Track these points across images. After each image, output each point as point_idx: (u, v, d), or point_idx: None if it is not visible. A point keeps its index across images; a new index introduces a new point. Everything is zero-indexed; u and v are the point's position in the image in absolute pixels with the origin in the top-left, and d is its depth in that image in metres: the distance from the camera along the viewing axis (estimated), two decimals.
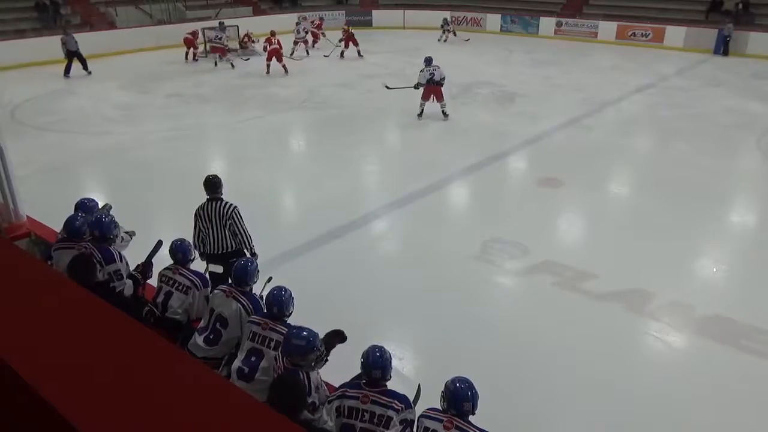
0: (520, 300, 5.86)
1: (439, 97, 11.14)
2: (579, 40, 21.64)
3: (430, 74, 10.94)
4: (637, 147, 10.56)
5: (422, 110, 11.36)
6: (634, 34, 21.23)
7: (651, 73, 16.13)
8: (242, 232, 4.69)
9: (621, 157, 9.95)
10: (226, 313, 3.62)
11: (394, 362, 3.23)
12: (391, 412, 2.95)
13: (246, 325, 3.54)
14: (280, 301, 3.49)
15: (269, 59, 15.53)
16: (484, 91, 14.05)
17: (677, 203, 7.85)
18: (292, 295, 3.61)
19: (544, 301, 5.69)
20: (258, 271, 3.85)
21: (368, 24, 24.35)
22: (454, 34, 21.74)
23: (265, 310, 3.54)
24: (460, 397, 2.89)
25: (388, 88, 12.05)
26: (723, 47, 19.44)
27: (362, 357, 3.09)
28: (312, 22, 20.40)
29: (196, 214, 4.75)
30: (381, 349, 3.11)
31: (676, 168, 9.27)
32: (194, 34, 17.68)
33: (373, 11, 25.00)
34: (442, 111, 11.30)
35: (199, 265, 4.38)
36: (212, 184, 4.75)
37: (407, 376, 4.37)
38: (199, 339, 3.63)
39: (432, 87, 11.05)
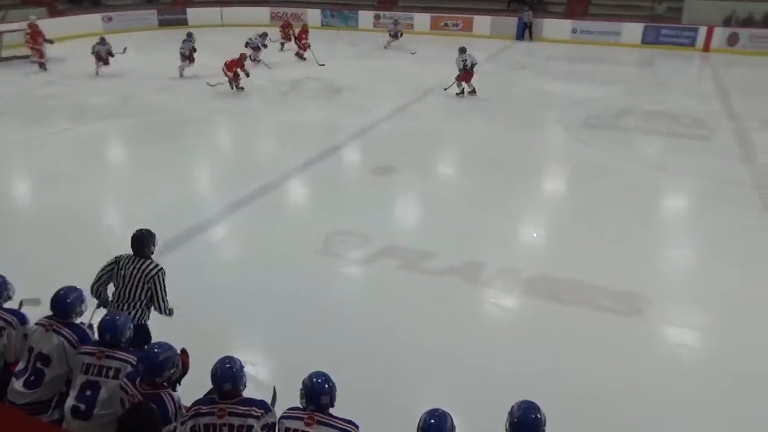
0: (368, 287, 6.01)
1: (469, 80, 12.71)
2: None
3: (463, 61, 12.45)
4: (459, 130, 11.29)
5: (462, 90, 12.90)
6: (446, 25, 22.63)
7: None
8: (161, 298, 4.03)
9: (446, 141, 10.60)
10: (46, 349, 3.25)
11: (248, 369, 3.14)
12: (251, 420, 2.86)
13: (75, 358, 3.21)
14: (114, 327, 3.22)
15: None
16: (312, 86, 14.12)
17: (499, 179, 8.57)
18: (129, 318, 3.35)
19: (390, 284, 5.89)
20: (83, 300, 3.50)
21: (183, 23, 23.16)
22: (398, 37, 19.67)
23: (98, 338, 3.25)
24: (317, 392, 2.90)
25: (445, 89, 13.04)
26: (525, 33, 21.57)
27: (211, 371, 2.96)
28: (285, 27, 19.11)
29: (114, 262, 4.06)
30: (230, 359, 3.00)
31: (494, 146, 10.13)
32: None
33: (188, 9, 23.81)
34: (473, 90, 12.83)
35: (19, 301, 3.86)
36: (139, 241, 4.07)
37: (263, 381, 4.26)
38: (17, 384, 3.22)
39: (468, 72, 12.54)
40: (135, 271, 3.97)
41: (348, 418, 2.91)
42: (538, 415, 2.65)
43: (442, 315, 5.36)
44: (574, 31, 20.88)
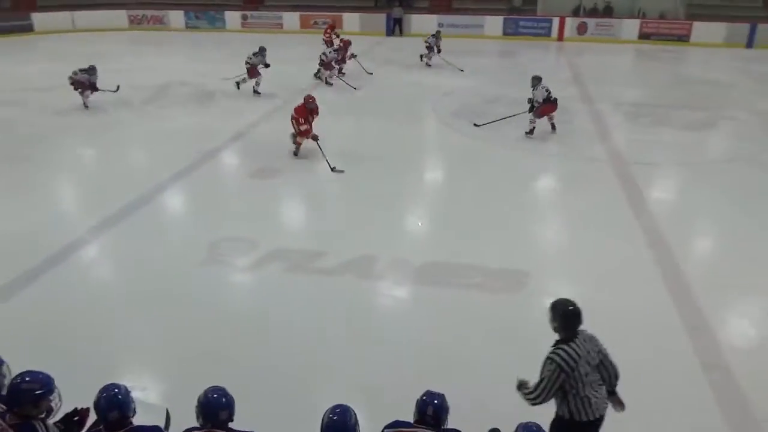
0: (259, 293, 5.83)
1: (553, 112, 10.18)
2: (267, 32, 22.16)
3: (547, 91, 9.92)
4: (337, 127, 11.28)
5: (533, 128, 10.23)
6: (316, 23, 22.55)
7: None
8: None
9: (326, 138, 10.51)
10: None
11: (136, 394, 2.93)
12: None
13: None
14: None
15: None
16: (182, 92, 13.48)
17: (381, 172, 8.68)
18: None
19: (282, 287, 5.75)
20: None
21: (28, 29, 21.20)
22: (438, 51, 16.41)
23: None
24: (214, 408, 2.78)
25: (477, 126, 10.76)
26: (395, 29, 22.06)
27: (94, 401, 2.75)
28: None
29: None
30: (114, 386, 2.80)
31: (373, 141, 10.25)
32: None
33: (33, 14, 21.76)
34: (552, 124, 10.39)
35: None
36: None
37: (154, 405, 4.00)
38: None
39: (549, 105, 9.99)
40: None
41: (249, 429, 2.81)
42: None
43: (339, 312, 5.33)
44: (440, 25, 21.61)
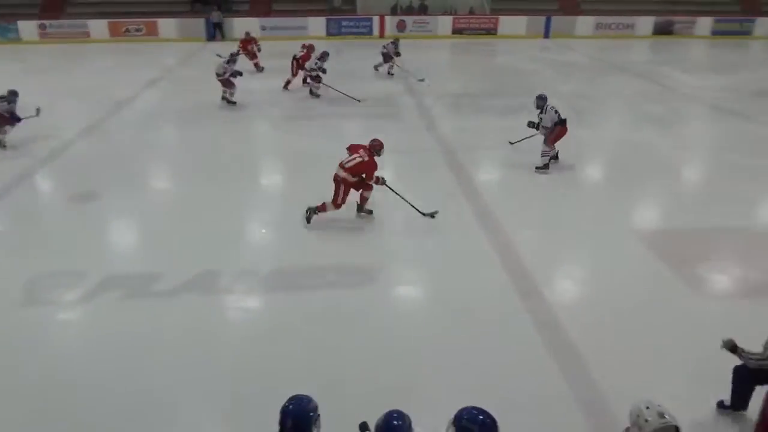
0: (94, 329, 5.25)
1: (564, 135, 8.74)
2: (71, 42, 20.27)
3: (557, 112, 8.58)
4: (164, 141, 10.66)
5: (556, 153, 8.91)
6: (128, 30, 21.09)
7: (157, 67, 16.39)
8: None
9: (151, 154, 9.88)
10: None
11: None
12: None
13: None
14: None
15: None
16: None
17: (214, 182, 8.32)
18: None
19: (119, 319, 5.25)
20: None
21: None
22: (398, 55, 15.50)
23: None
24: None
25: (512, 143, 9.70)
26: (216, 33, 21.29)
27: None
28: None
29: None
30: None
31: (202, 151, 9.80)
32: None
33: None
34: (555, 154, 8.96)
35: None
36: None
37: None
38: None
39: (562, 128, 8.64)
40: None
41: None
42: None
43: (186, 336, 5.01)
44: (263, 28, 21.31)
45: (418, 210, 7.11)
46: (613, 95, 14.36)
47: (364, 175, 6.79)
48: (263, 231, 7.18)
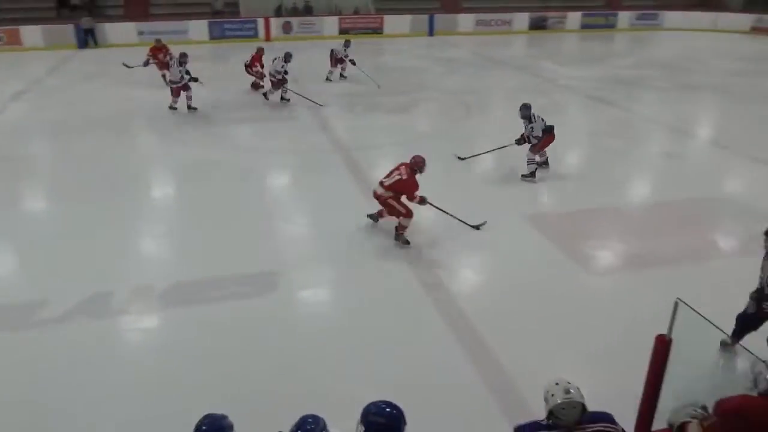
0: None
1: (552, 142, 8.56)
2: None
3: (544, 120, 8.33)
4: (42, 156, 9.84)
5: (545, 160, 8.74)
6: None
7: (21, 78, 15.12)
8: None
9: (29, 170, 9.08)
10: None
11: None
12: None
13: None
14: None
15: None
16: None
17: (102, 199, 7.79)
18: None
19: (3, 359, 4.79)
20: None
21: None
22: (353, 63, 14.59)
23: None
24: None
25: (460, 158, 8.96)
26: (87, 40, 19.93)
27: None
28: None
29: None
30: None
31: (88, 165, 9.13)
32: None
33: None
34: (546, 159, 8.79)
35: None
36: None
37: None
38: None
39: (550, 135, 8.40)
40: None
41: None
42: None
43: (78, 365, 4.63)
44: (141, 33, 20.25)
45: (466, 223, 6.83)
46: (498, 88, 15.04)
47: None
48: (156, 245, 6.80)
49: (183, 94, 11.69)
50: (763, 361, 2.79)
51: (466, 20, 23.62)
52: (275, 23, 21.90)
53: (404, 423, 2.54)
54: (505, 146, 8.73)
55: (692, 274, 5.96)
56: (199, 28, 21.08)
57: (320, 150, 9.71)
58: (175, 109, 11.83)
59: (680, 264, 6.18)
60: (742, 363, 2.88)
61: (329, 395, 4.17)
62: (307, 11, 23.33)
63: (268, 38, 21.51)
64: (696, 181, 8.54)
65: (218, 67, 17.57)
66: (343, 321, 5.25)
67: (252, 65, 13.63)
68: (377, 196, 6.43)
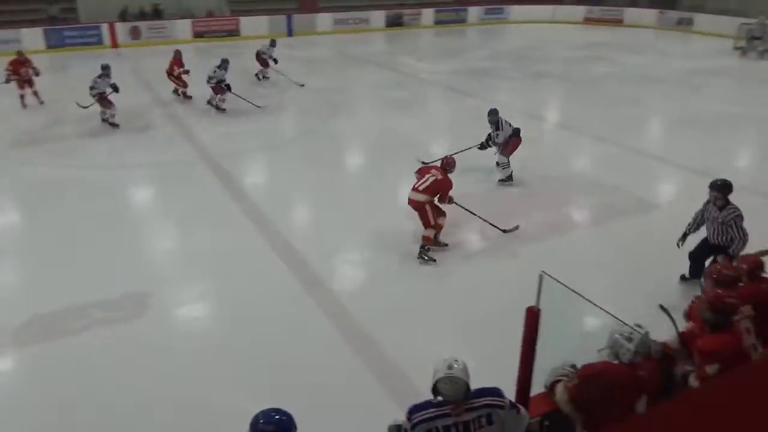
0: None
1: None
2: None
3: (510, 125, 8.25)
4: None
5: (511, 172, 8.33)
6: None
7: None
8: None
9: None
10: None
11: None
12: None
13: None
14: None
15: None
16: None
17: None
18: None
19: None
20: None
21: None
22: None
23: None
24: None
25: (424, 163, 7.85)
26: None
27: None
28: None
29: None
30: None
31: None
32: None
33: None
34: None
35: None
36: None
37: None
38: None
39: (517, 138, 8.29)
40: None
41: None
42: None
43: None
44: None
45: (497, 227, 6.64)
46: (362, 85, 15.25)
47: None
48: (3, 278, 6.12)
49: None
50: (638, 327, 3.09)
51: (324, 20, 23.68)
52: (121, 28, 20.52)
53: (294, 428, 2.50)
54: (470, 148, 8.52)
55: (555, 247, 6.44)
56: (33, 36, 19.18)
57: (185, 161, 9.25)
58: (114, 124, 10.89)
59: (545, 239, 6.65)
60: (609, 327, 3.17)
61: (218, 411, 4.00)
62: (156, 15, 22.10)
63: (114, 45, 20.14)
64: (550, 161, 9.23)
65: (58, 77, 16.18)
66: (224, 334, 5.08)
67: (171, 70, 12.82)
68: (415, 204, 6.20)
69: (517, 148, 8.34)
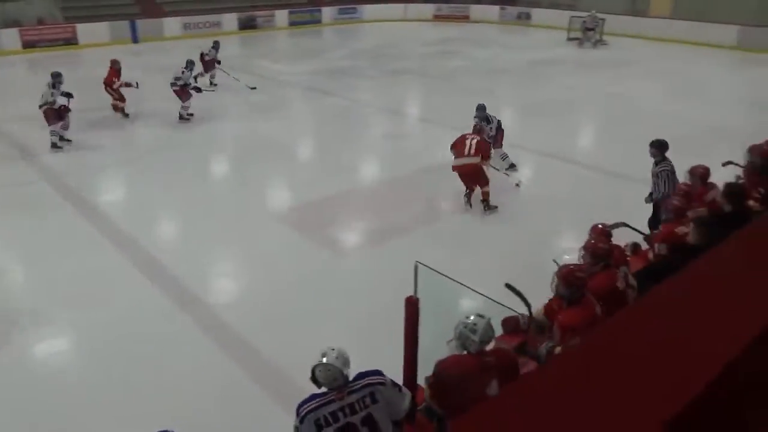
0: None
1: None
2: None
3: (496, 118, 8.48)
4: None
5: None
6: None
7: None
8: None
9: None
10: None
11: None
12: None
13: None
14: None
15: None
16: None
17: None
18: None
19: None
20: None
21: None
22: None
23: None
24: None
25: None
26: None
27: None
28: None
29: None
30: None
31: None
32: None
33: None
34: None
35: None
36: None
37: None
38: None
39: (502, 131, 8.53)
40: None
41: None
42: None
43: None
44: None
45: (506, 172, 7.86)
46: (219, 91, 14.65)
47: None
48: None
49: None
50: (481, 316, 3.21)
51: (172, 24, 22.48)
52: None
53: None
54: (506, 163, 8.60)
55: (427, 236, 6.60)
56: None
57: (23, 183, 8.30)
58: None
59: (416, 230, 6.79)
60: (483, 310, 3.28)
61: None
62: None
63: None
64: (414, 154, 9.48)
65: None
66: (92, 363, 4.65)
67: (110, 82, 11.38)
68: (471, 167, 6.97)
69: (503, 137, 8.61)
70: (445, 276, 2.79)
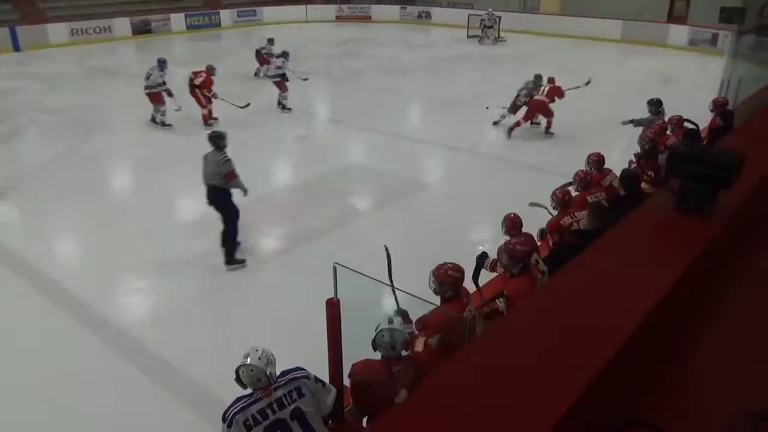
0: None
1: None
2: None
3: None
4: None
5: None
6: None
7: None
8: None
9: None
10: None
11: None
12: None
13: None
14: None
15: None
16: None
17: None
18: None
19: None
20: None
21: None
22: None
23: None
24: None
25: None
26: None
27: None
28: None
29: None
30: None
31: None
32: None
33: None
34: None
35: None
36: None
37: None
38: None
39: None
40: None
41: None
42: None
43: None
44: None
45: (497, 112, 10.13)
46: (115, 99, 13.95)
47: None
48: None
49: None
50: (401, 310, 3.29)
51: (57, 30, 21.08)
52: None
53: None
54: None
55: (344, 237, 6.62)
56: None
57: None
58: None
59: (333, 231, 6.79)
60: (403, 305, 3.35)
61: None
62: None
63: None
64: (327, 155, 9.46)
65: None
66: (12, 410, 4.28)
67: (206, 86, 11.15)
68: (544, 102, 9.84)
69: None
70: (364, 275, 2.82)
